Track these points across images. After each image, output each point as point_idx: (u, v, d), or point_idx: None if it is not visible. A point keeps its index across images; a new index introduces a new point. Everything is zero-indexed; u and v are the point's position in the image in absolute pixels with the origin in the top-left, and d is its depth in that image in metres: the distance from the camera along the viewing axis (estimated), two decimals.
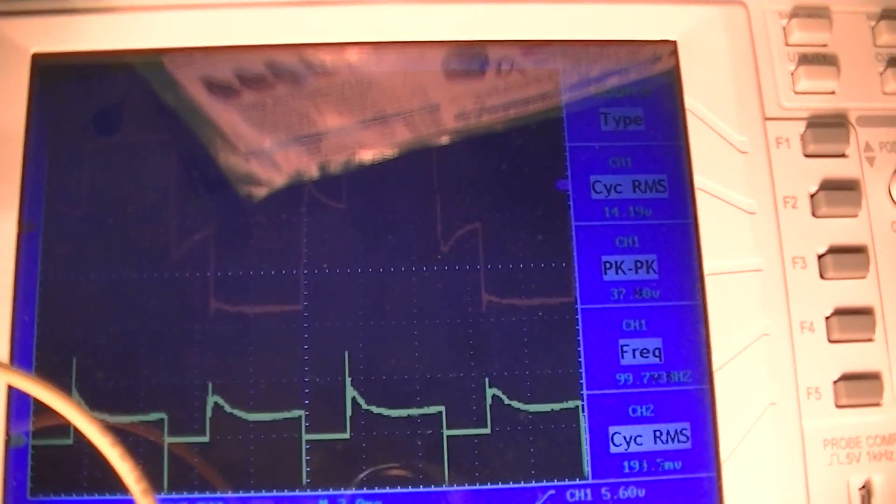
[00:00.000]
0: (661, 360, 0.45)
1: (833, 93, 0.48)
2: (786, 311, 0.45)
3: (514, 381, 0.45)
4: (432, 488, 0.44)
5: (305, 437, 0.44)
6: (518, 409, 0.45)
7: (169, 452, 0.44)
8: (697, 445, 0.45)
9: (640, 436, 0.45)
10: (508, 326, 0.45)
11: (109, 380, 0.45)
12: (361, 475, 0.44)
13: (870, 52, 0.48)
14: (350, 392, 0.45)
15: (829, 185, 0.46)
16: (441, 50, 0.49)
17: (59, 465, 0.44)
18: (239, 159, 0.48)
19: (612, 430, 0.45)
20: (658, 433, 0.45)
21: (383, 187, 0.47)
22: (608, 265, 0.46)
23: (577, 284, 0.46)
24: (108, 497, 0.44)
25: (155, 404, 0.45)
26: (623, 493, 0.44)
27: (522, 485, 0.44)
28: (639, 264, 0.46)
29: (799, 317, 0.45)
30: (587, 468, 0.45)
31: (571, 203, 0.47)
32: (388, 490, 0.44)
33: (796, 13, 0.48)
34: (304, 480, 0.44)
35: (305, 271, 0.46)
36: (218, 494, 0.44)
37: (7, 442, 0.44)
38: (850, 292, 0.45)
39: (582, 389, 0.45)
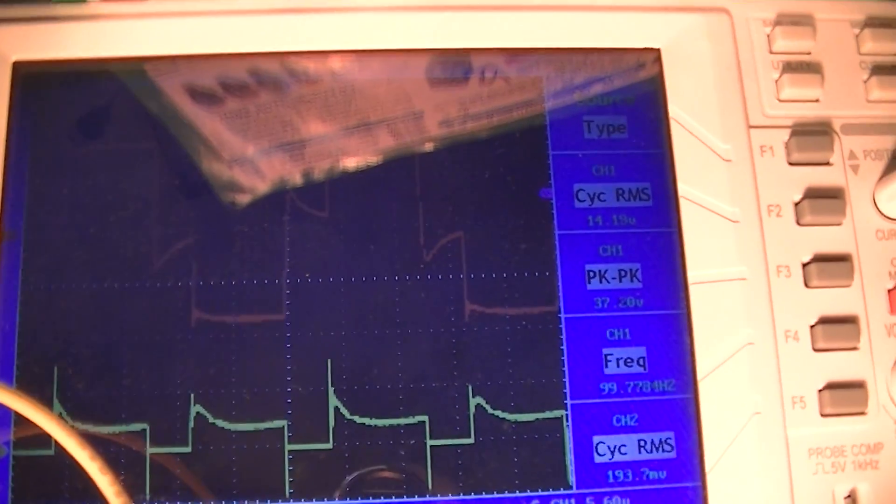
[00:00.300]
0: (645, 369, 0.45)
1: (817, 101, 0.48)
2: (770, 319, 0.45)
3: (498, 390, 0.45)
4: (416, 498, 0.44)
5: (288, 447, 0.44)
6: (502, 418, 0.45)
7: (151, 463, 0.44)
8: (682, 455, 0.45)
9: (625, 445, 0.45)
10: (492, 336, 0.45)
11: (91, 390, 0.45)
12: (345, 483, 0.43)
13: (854, 60, 0.48)
14: (333, 402, 0.44)
15: (813, 194, 0.46)
16: (425, 57, 0.49)
17: (40, 476, 0.44)
18: (222, 167, 0.47)
19: (596, 439, 0.45)
20: (642, 442, 0.45)
21: (366, 196, 0.47)
22: (592, 274, 0.46)
23: (561, 293, 0.46)
24: None
25: (137, 414, 0.44)
26: (608, 503, 0.44)
27: (507, 494, 0.44)
28: (623, 273, 0.46)
29: (784, 325, 0.45)
30: (572, 478, 0.44)
31: (555, 212, 0.47)
32: (371, 501, 0.44)
33: (780, 21, 0.48)
34: (287, 491, 0.44)
35: (288, 280, 0.46)
36: None
37: None
38: (835, 301, 0.45)
39: (566, 399, 0.45)
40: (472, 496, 0.44)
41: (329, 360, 0.45)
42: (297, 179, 0.47)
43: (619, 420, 0.45)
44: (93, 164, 0.47)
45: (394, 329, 0.45)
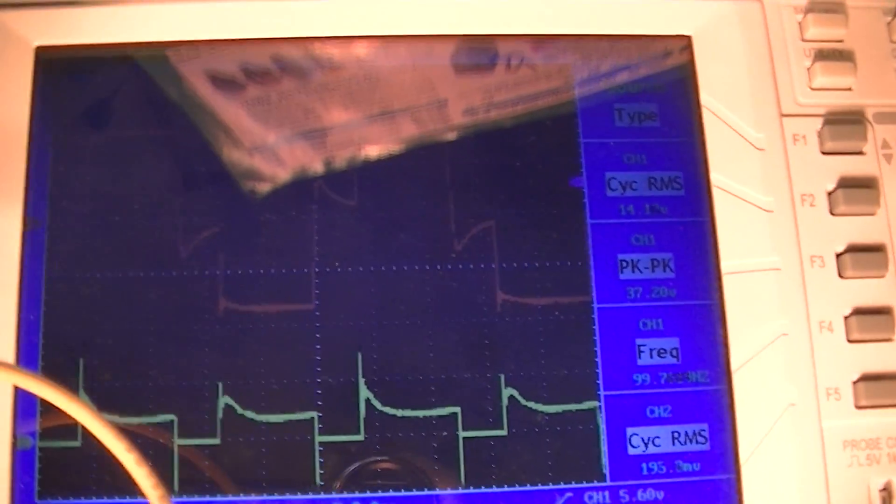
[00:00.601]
0: (678, 360, 0.45)
1: (850, 89, 0.47)
2: (804, 310, 0.44)
3: (531, 381, 0.44)
4: (448, 490, 0.43)
5: (318, 438, 0.44)
6: (535, 409, 0.44)
7: (179, 455, 0.43)
8: (716, 447, 0.44)
9: (658, 437, 0.44)
10: (524, 326, 0.45)
11: (117, 381, 0.44)
12: (375, 474, 0.43)
13: (886, 48, 0.48)
14: (364, 393, 0.44)
15: (846, 183, 0.46)
16: (451, 43, 0.49)
17: (66, 468, 0.43)
18: (242, 154, 0.47)
19: (629, 431, 0.44)
20: (676, 434, 0.44)
21: (395, 184, 0.46)
22: (624, 264, 0.46)
23: (594, 283, 0.46)
24: (116, 500, 0.43)
25: (164, 406, 0.44)
26: (641, 496, 0.44)
27: (540, 487, 0.44)
28: (655, 263, 0.46)
29: (818, 316, 0.44)
30: (605, 470, 0.44)
31: (586, 200, 0.46)
32: (402, 493, 0.43)
33: (812, 8, 0.48)
34: (318, 483, 0.43)
35: (317, 269, 0.45)
36: (229, 497, 0.43)
37: (14, 444, 0.43)
38: (869, 291, 0.45)
39: (599, 390, 0.45)
40: (505, 488, 0.44)
41: (359, 351, 0.44)
42: (318, 167, 0.47)
43: (652, 412, 0.45)
44: (116, 151, 0.46)
45: (425, 319, 0.45)
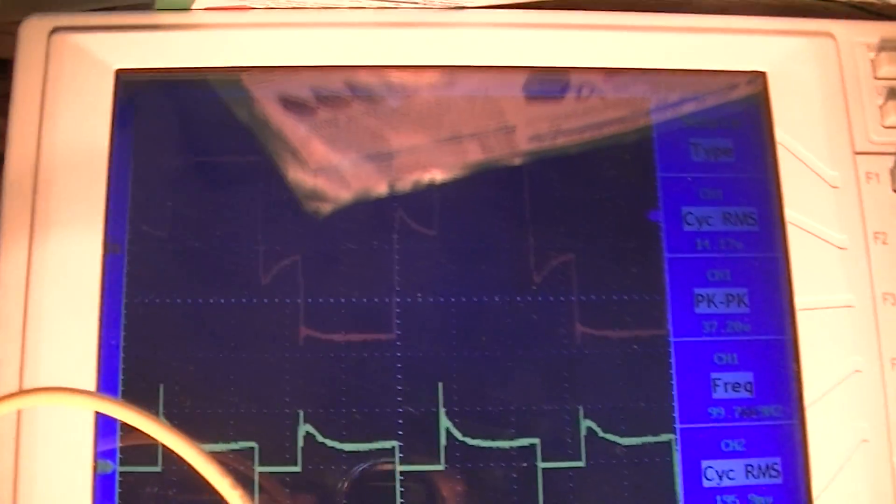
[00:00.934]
0: (752, 394, 0.46)
1: None
2: (877, 348, 0.45)
3: (609, 413, 0.45)
4: None
5: (399, 468, 0.44)
6: (612, 441, 0.45)
7: (260, 482, 0.43)
8: (788, 480, 0.45)
9: (733, 470, 0.45)
10: (602, 358, 0.45)
11: (197, 407, 0.44)
12: None
13: None
14: (444, 423, 0.44)
15: None
16: (523, 74, 0.49)
17: (146, 493, 0.43)
18: (307, 175, 0.47)
19: (704, 464, 0.45)
20: (749, 468, 0.45)
21: (475, 214, 0.46)
22: (700, 298, 0.46)
23: (670, 317, 0.46)
24: None
25: (244, 433, 0.44)
26: None
27: None
28: (730, 298, 0.46)
29: (891, 353, 0.45)
30: (680, 502, 0.44)
31: (663, 234, 0.46)
32: None
33: (884, 46, 0.48)
34: None
35: (398, 299, 0.45)
36: None
37: (94, 468, 0.43)
38: None
39: (675, 423, 0.45)
40: None
41: (440, 381, 0.44)
42: (382, 190, 0.47)
43: (727, 445, 0.45)
44: (195, 176, 0.47)
45: (505, 350, 0.45)
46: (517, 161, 0.48)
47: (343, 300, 0.45)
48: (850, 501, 0.44)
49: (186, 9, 0.47)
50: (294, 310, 0.45)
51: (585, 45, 0.49)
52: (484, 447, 0.44)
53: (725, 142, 0.48)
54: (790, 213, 0.47)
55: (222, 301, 0.45)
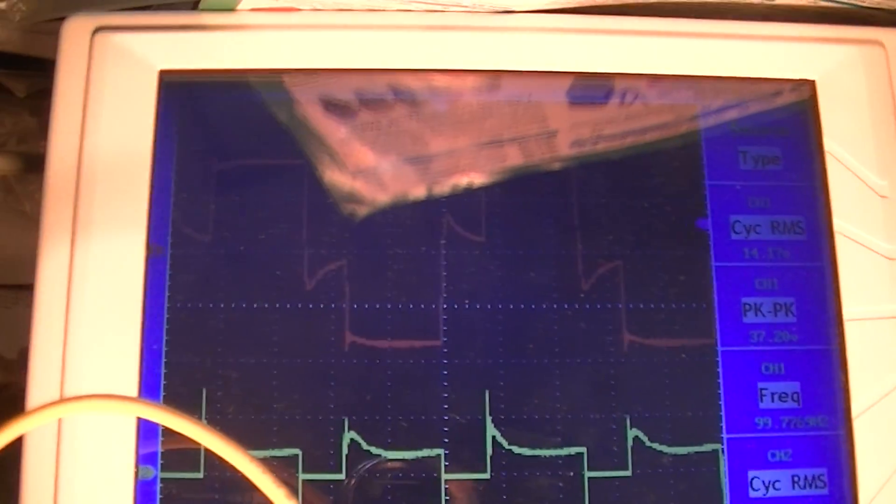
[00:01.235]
0: (799, 404, 0.45)
1: None
2: None
3: (656, 422, 0.45)
4: None
5: (445, 476, 0.43)
6: (659, 451, 0.44)
7: (303, 489, 0.43)
8: (834, 491, 0.45)
9: (779, 480, 0.45)
10: (650, 367, 0.45)
11: (240, 413, 0.44)
12: None
13: None
14: (491, 431, 0.44)
15: None
16: (567, 80, 0.48)
17: (188, 499, 0.43)
18: (345, 177, 0.46)
19: (751, 474, 0.45)
20: (796, 478, 0.45)
21: (523, 221, 0.46)
22: (747, 307, 0.46)
23: (717, 326, 0.46)
24: None
25: (289, 439, 0.44)
26: None
27: None
28: (777, 307, 0.46)
29: None
30: None
31: (712, 243, 0.46)
32: None
33: None
34: None
35: (444, 306, 0.45)
36: None
37: (136, 474, 0.42)
38: None
39: (722, 433, 0.45)
40: None
41: (486, 388, 0.44)
42: (420, 194, 0.46)
43: (773, 455, 0.45)
44: (238, 178, 0.46)
45: (552, 358, 0.45)
46: (556, 166, 0.47)
47: (389, 306, 0.45)
48: None
49: (231, 9, 0.46)
50: (339, 315, 0.45)
51: (631, 50, 0.48)
52: (530, 456, 0.44)
53: (773, 150, 0.48)
54: (838, 222, 0.46)
55: (266, 306, 0.45)
